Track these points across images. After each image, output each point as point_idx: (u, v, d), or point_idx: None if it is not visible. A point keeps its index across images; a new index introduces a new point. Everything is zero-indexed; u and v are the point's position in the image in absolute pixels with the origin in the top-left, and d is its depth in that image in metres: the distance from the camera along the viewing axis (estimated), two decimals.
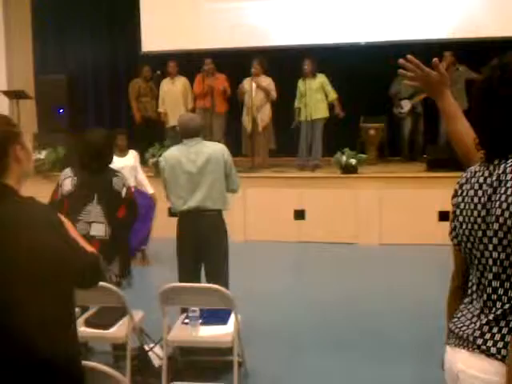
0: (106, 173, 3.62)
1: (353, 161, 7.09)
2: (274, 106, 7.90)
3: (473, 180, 1.56)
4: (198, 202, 3.84)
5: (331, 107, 7.77)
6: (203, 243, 3.87)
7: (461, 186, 1.61)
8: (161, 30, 8.53)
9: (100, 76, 9.80)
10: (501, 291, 1.49)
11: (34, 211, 1.67)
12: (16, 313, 1.58)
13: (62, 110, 8.87)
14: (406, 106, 8.11)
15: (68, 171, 3.65)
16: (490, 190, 1.50)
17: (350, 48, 7.93)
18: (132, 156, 5.96)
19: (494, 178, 1.49)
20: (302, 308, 4.83)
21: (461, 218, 1.58)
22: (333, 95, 7.70)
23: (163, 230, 6.84)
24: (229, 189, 3.98)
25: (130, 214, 3.68)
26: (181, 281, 3.83)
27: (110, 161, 3.73)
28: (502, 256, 1.47)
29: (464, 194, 1.58)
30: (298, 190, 7.10)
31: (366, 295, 5.12)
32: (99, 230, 3.50)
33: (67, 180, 3.59)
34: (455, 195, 1.63)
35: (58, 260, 1.64)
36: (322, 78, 7.68)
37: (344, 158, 7.10)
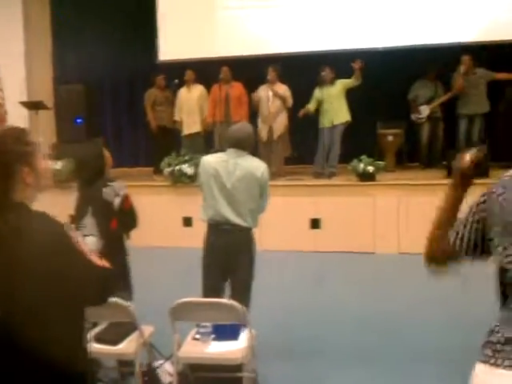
0: (97, 184, 3.59)
1: (370, 168, 6.98)
2: (290, 114, 7.83)
3: None
4: (228, 217, 3.72)
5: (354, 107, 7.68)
6: (231, 258, 3.78)
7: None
8: (177, 38, 8.53)
9: (118, 86, 9.86)
10: None
11: (43, 226, 1.63)
12: (28, 323, 1.55)
13: (80, 120, 8.93)
14: (425, 111, 8.00)
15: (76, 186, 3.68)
16: None
17: (367, 54, 7.84)
18: None
19: None
20: (319, 322, 4.71)
21: None
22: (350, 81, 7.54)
23: (177, 240, 6.87)
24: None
25: (122, 223, 3.60)
26: (204, 295, 3.76)
27: (99, 171, 3.66)
28: None
29: None
30: (313, 198, 7.01)
31: (387, 307, 5.00)
32: (91, 243, 3.42)
33: (76, 194, 3.62)
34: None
35: (68, 276, 1.61)
36: (341, 84, 7.60)
37: (361, 166, 7.00)
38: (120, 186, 3.63)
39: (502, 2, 7.64)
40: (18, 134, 1.66)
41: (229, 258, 3.77)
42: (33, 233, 1.59)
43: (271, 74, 7.66)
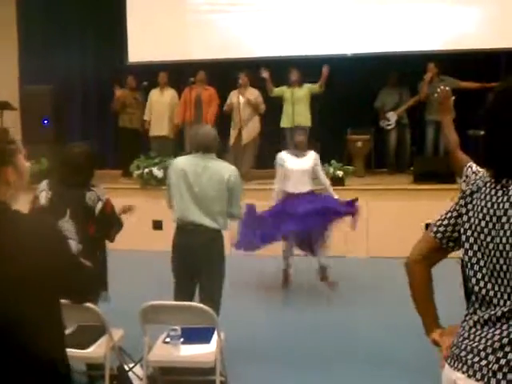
0: (81, 187, 3.51)
1: (340, 173, 7.06)
2: (263, 118, 7.85)
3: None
4: (194, 218, 3.76)
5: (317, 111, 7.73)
6: (197, 260, 3.77)
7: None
8: (147, 40, 8.49)
9: (86, 87, 9.73)
10: None
11: (32, 225, 1.62)
12: (10, 316, 1.53)
13: (46, 121, 8.77)
14: (392, 117, 8.11)
15: (44, 184, 3.55)
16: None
17: (337, 59, 7.93)
18: (311, 158, 5.55)
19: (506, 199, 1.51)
20: (289, 325, 4.73)
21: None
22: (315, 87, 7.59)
23: (147, 243, 6.80)
24: (228, 213, 3.83)
25: (101, 229, 3.54)
26: (174, 296, 3.80)
27: (91, 177, 3.62)
28: None
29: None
30: None
31: (355, 310, 5.07)
32: None
33: (42, 193, 3.50)
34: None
35: (55, 272, 1.60)
36: (308, 88, 7.65)
37: (331, 170, 7.06)
38: (102, 191, 3.59)
39: (466, 13, 7.83)
40: (0, 133, 1.64)
41: (195, 258, 3.78)
42: (19, 232, 1.56)
43: (243, 80, 7.67)
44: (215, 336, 3.25)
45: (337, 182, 7.04)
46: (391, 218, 6.78)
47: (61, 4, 9.09)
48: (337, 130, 8.08)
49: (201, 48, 8.29)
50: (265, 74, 7.52)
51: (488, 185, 1.58)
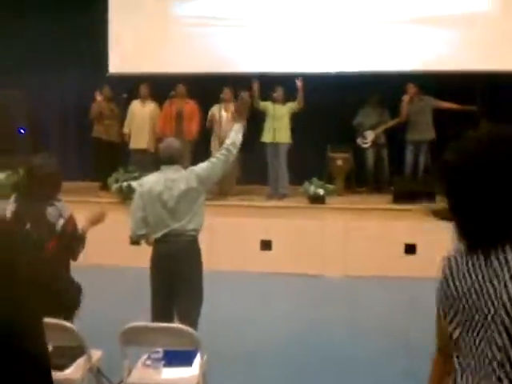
0: (43, 202, 3.37)
1: (320, 191, 7.05)
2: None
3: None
4: (174, 228, 3.78)
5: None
6: (177, 271, 3.75)
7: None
8: (128, 52, 8.42)
9: (64, 97, 9.57)
10: None
11: None
12: None
13: (23, 130, 8.60)
14: (370, 136, 8.14)
15: (12, 197, 3.47)
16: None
17: (319, 78, 7.96)
18: None
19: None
20: (265, 340, 4.75)
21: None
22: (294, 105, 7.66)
23: (125, 258, 6.68)
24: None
25: (62, 247, 3.36)
26: (153, 315, 3.77)
27: (56, 191, 3.48)
28: None
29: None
30: (264, 219, 6.99)
31: (330, 327, 5.15)
32: None
33: (10, 206, 3.40)
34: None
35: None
36: (289, 107, 7.70)
37: (312, 188, 7.06)
38: (64, 207, 3.43)
39: (446, 35, 7.91)
40: None
41: (174, 263, 3.76)
42: None
43: (226, 94, 7.66)
44: (198, 358, 3.18)
45: (317, 200, 7.04)
46: (370, 238, 6.76)
47: (40, 10, 8.90)
48: (318, 148, 8.08)
49: (183, 61, 8.24)
50: (255, 87, 7.53)
51: (464, 254, 1.47)
